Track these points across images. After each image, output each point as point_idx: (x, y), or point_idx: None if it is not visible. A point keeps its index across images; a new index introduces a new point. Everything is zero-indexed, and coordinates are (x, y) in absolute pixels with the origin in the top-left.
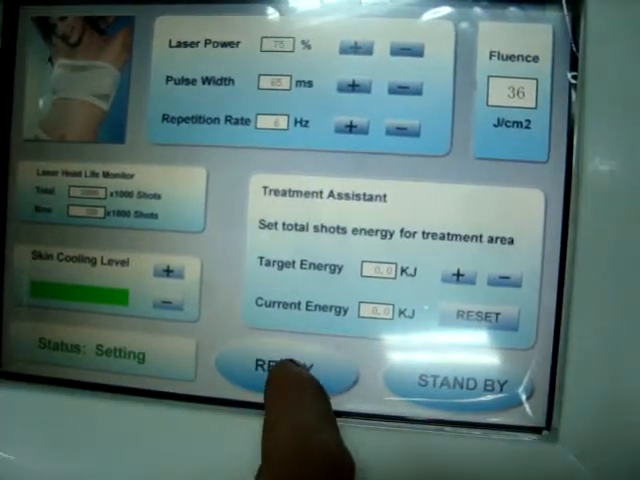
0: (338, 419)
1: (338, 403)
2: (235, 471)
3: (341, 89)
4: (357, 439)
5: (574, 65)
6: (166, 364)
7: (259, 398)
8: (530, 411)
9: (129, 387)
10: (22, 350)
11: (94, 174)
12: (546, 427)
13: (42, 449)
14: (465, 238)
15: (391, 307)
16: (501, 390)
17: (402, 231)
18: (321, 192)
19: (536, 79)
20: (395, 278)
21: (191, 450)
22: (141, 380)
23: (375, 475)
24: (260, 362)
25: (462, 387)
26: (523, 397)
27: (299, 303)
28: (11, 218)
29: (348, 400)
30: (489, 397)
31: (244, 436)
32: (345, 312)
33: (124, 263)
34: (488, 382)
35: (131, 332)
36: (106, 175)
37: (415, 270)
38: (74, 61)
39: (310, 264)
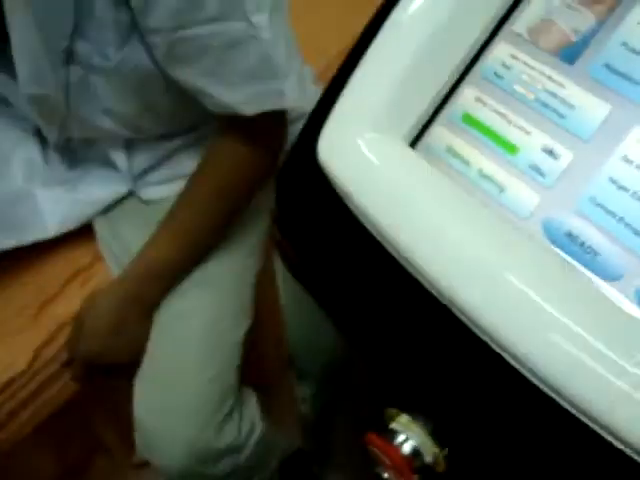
0: None
1: None
2: None
3: None
4: None
5: None
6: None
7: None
8: None
9: None
10: (439, 147)
11: (542, 74)
12: None
13: None
14: None
15: None
16: None
17: None
18: None
19: None
20: None
21: None
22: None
23: None
24: (569, 235)
25: None
26: None
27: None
28: (476, 72)
29: None
30: None
31: None
32: None
33: (528, 133)
34: None
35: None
36: (548, 78)
37: None
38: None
39: None
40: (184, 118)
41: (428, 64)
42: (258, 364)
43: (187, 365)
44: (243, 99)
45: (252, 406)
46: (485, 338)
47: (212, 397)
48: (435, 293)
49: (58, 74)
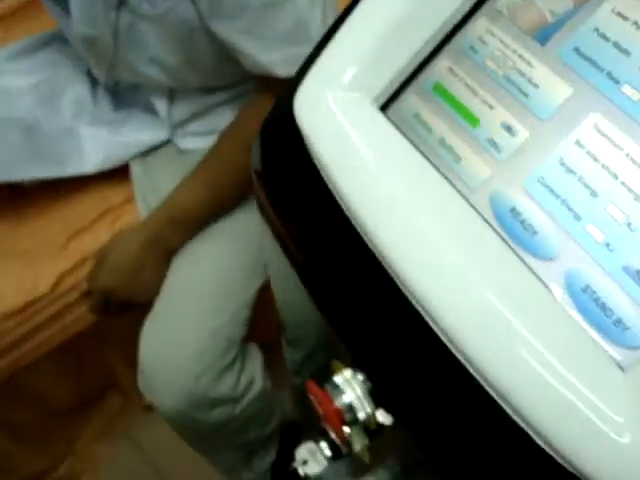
0: None
1: None
2: None
3: None
4: None
5: None
6: (468, 176)
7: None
8: None
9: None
10: (407, 112)
11: (515, 52)
12: None
13: None
14: None
15: None
16: None
17: None
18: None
19: None
20: None
21: None
22: (455, 174)
23: None
24: (512, 210)
25: None
26: None
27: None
28: (455, 44)
29: None
30: None
31: None
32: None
33: (492, 107)
34: None
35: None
36: (519, 56)
37: None
38: None
39: (587, 187)
40: (226, 74)
41: (406, 32)
42: (267, 323)
43: (197, 309)
44: (277, 60)
45: (255, 362)
46: (413, 301)
47: (216, 345)
48: (378, 255)
49: (109, 18)
